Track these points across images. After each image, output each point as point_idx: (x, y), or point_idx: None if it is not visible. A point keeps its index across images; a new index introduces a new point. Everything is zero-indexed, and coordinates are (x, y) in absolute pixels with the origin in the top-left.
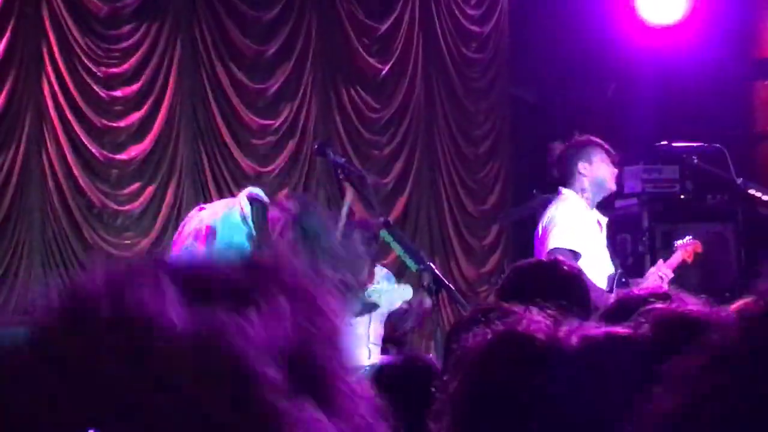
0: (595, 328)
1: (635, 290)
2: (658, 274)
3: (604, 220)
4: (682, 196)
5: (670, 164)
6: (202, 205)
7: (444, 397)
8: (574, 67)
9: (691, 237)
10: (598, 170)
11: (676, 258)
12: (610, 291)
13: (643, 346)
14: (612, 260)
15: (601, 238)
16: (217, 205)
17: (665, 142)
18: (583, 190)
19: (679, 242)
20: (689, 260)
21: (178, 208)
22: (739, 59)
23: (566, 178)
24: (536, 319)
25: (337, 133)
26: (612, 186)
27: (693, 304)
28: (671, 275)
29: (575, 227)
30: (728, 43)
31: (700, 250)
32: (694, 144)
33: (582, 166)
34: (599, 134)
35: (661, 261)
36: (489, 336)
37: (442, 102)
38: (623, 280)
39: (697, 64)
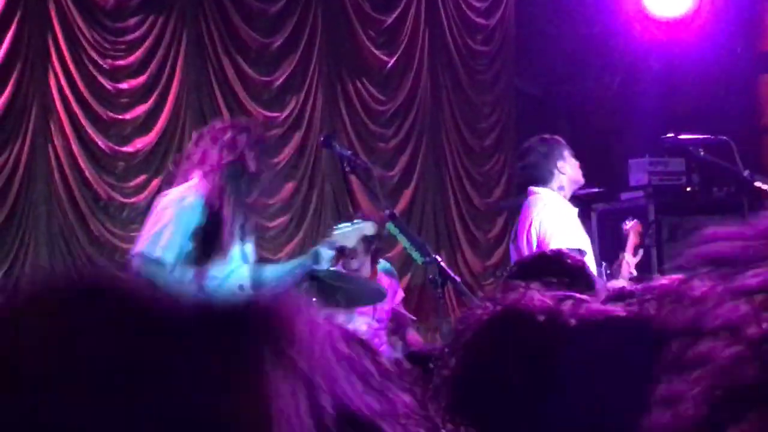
0: (597, 306)
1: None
2: (625, 261)
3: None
4: (688, 189)
5: (677, 157)
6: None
7: (442, 374)
8: (580, 59)
9: (632, 218)
10: (572, 167)
11: (631, 241)
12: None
13: (647, 324)
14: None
15: (585, 233)
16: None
17: (671, 135)
18: (561, 188)
19: (626, 225)
20: (638, 242)
21: None
22: (745, 52)
23: (542, 177)
24: (537, 297)
25: (343, 126)
26: (582, 180)
27: (698, 284)
28: (635, 259)
29: (571, 227)
30: (734, 36)
31: (640, 229)
32: (701, 136)
33: (561, 165)
34: (605, 126)
35: (627, 249)
36: (490, 312)
37: (447, 94)
38: (608, 272)
39: (702, 57)
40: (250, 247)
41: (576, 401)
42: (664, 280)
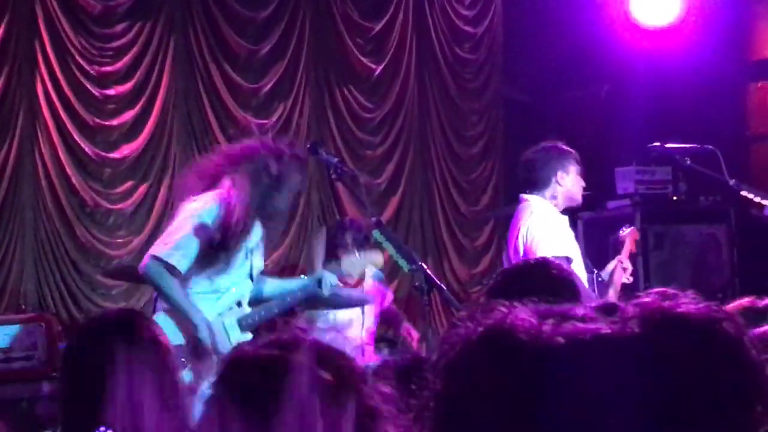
0: (580, 325)
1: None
2: (621, 267)
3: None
4: (674, 198)
5: (663, 165)
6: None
7: (425, 396)
8: (567, 68)
9: (629, 225)
10: (573, 183)
11: (627, 248)
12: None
13: (631, 343)
14: (584, 262)
15: (575, 241)
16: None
17: (658, 144)
18: (553, 197)
19: (623, 233)
20: (634, 250)
21: (171, 206)
22: (732, 61)
23: (537, 183)
24: (520, 316)
25: (330, 133)
26: (579, 201)
27: (686, 301)
28: (630, 266)
29: (558, 235)
30: (722, 44)
31: (638, 237)
32: (687, 145)
33: (560, 176)
34: (592, 134)
35: (620, 256)
36: (471, 332)
37: (435, 102)
38: (599, 279)
39: (690, 65)
40: (258, 262)
41: (560, 422)
42: (647, 298)
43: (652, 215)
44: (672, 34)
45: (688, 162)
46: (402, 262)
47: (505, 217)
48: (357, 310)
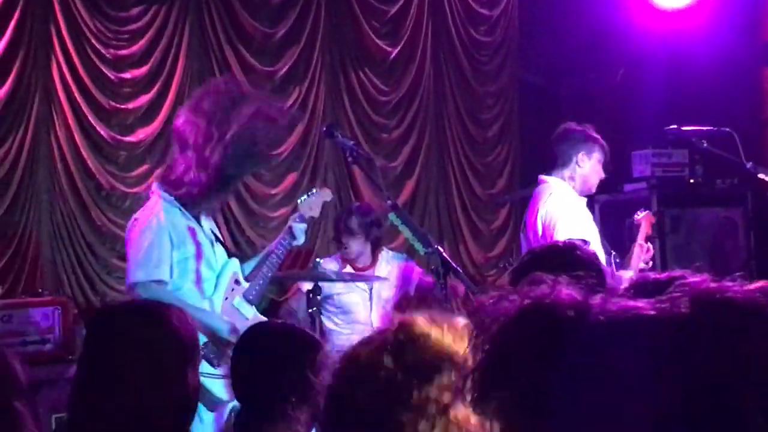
0: (626, 302)
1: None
2: (640, 250)
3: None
4: (691, 181)
5: (680, 148)
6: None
7: (467, 367)
8: (583, 51)
9: (644, 209)
10: (592, 169)
11: (643, 231)
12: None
13: (680, 323)
14: (602, 244)
15: (593, 222)
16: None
17: (674, 127)
18: (572, 179)
19: (638, 216)
20: (650, 233)
21: None
22: (749, 43)
23: (558, 160)
24: (566, 291)
25: (345, 116)
26: (593, 190)
27: (734, 284)
28: (651, 249)
29: (576, 216)
30: (738, 27)
31: (653, 220)
32: (704, 128)
33: (581, 157)
34: (608, 118)
35: (638, 240)
36: (517, 305)
37: (451, 85)
38: (617, 260)
39: (706, 48)
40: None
41: (604, 398)
42: (694, 278)
43: (668, 198)
44: (688, 16)
45: (705, 145)
46: (418, 246)
47: (521, 201)
48: (363, 294)
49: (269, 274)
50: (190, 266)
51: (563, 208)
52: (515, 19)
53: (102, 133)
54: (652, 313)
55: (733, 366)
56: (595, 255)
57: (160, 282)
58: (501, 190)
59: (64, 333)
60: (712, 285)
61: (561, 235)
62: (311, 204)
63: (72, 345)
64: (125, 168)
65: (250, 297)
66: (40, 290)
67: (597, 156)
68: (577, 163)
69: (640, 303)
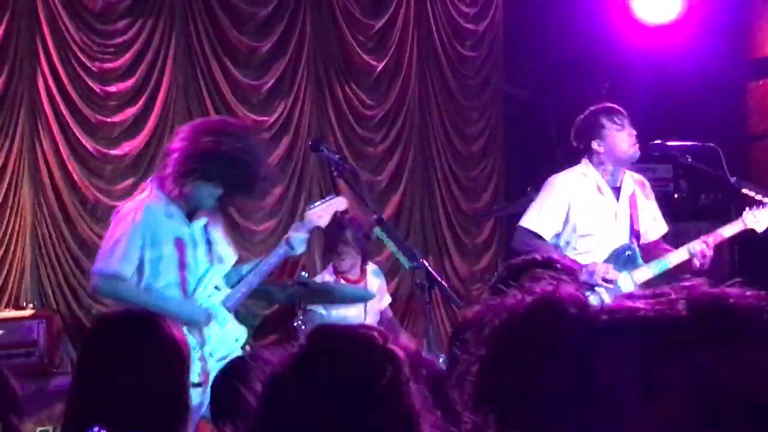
0: (627, 302)
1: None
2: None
3: (634, 186)
4: (675, 195)
5: (664, 163)
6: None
7: (469, 362)
8: (568, 65)
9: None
10: (612, 144)
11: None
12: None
13: (677, 325)
14: (631, 232)
15: (610, 206)
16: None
17: (659, 141)
18: (601, 164)
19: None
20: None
21: None
22: (733, 59)
23: (586, 151)
24: (569, 289)
25: (331, 130)
26: (631, 151)
27: (734, 289)
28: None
29: (550, 206)
30: (722, 42)
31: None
32: (688, 143)
33: (596, 144)
34: None
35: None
36: (520, 301)
37: (436, 100)
38: (627, 254)
39: (691, 63)
40: (224, 249)
41: (606, 395)
42: (694, 282)
43: None
44: (673, 31)
45: (689, 160)
46: (403, 260)
47: (506, 215)
48: (358, 308)
49: (254, 283)
50: (165, 267)
51: (548, 192)
52: (500, 34)
53: (88, 146)
54: (651, 314)
55: (730, 369)
56: (572, 269)
57: (116, 276)
58: (486, 205)
59: (48, 346)
60: (711, 289)
61: (524, 218)
62: (322, 212)
63: (57, 358)
64: (111, 181)
65: (228, 304)
66: (24, 303)
67: (611, 130)
68: (596, 151)
69: (639, 303)
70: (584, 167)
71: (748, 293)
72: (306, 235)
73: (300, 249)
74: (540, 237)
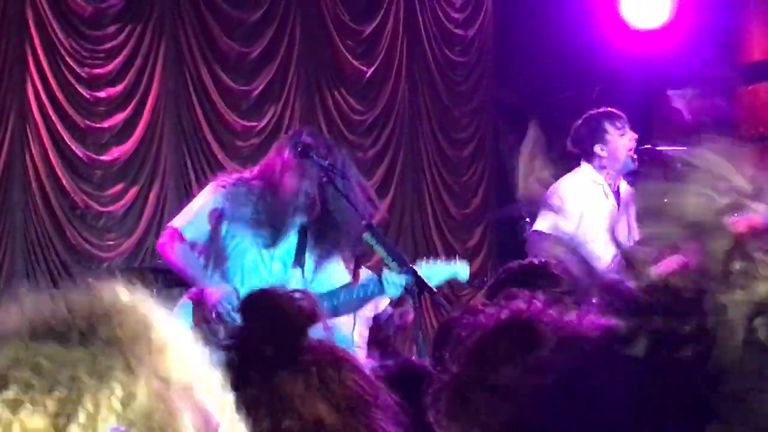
0: (599, 318)
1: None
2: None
3: (626, 193)
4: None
5: (654, 168)
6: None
7: (443, 380)
8: (558, 70)
9: None
10: (615, 149)
11: None
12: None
13: (650, 340)
14: (630, 236)
15: (613, 212)
16: None
17: (649, 146)
18: (602, 167)
19: None
20: None
21: (162, 209)
22: (724, 63)
23: (586, 155)
24: (542, 306)
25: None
26: (629, 161)
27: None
28: None
29: (565, 209)
30: (714, 47)
31: None
32: (678, 147)
33: (599, 148)
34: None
35: None
36: (493, 319)
37: (426, 105)
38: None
39: (682, 68)
40: (334, 269)
41: (581, 413)
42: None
43: None
44: (663, 36)
45: (680, 164)
46: (393, 265)
47: (495, 220)
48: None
49: (339, 298)
50: (243, 245)
51: (558, 195)
52: (490, 39)
53: (77, 151)
54: (623, 329)
55: (709, 381)
56: (570, 273)
57: (176, 231)
58: (476, 210)
59: None
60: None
61: (538, 222)
62: (438, 274)
63: None
64: (100, 187)
65: None
66: None
67: (610, 133)
68: (599, 155)
69: (613, 320)
70: (589, 171)
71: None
72: (403, 279)
73: (392, 293)
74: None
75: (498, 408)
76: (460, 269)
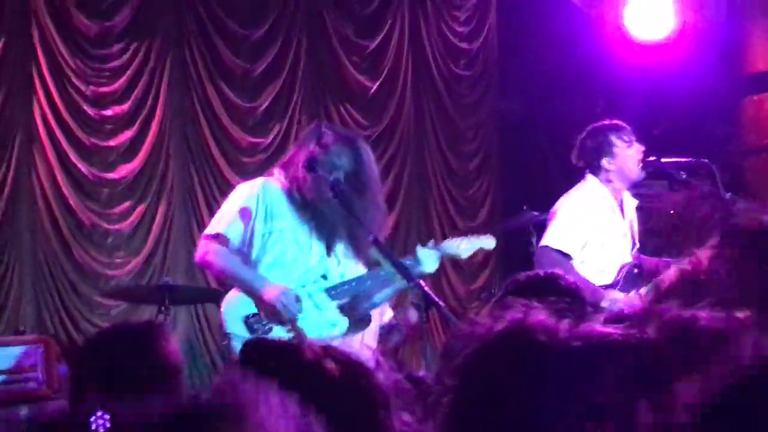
0: (596, 327)
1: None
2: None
3: (633, 204)
4: (671, 212)
5: (659, 180)
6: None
7: (441, 392)
8: (563, 83)
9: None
10: (622, 161)
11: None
12: (616, 284)
13: (647, 350)
14: (633, 248)
15: (619, 225)
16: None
17: (653, 158)
18: (609, 181)
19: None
20: None
21: (169, 227)
22: (727, 75)
23: (592, 169)
24: (538, 316)
25: None
26: (638, 171)
27: (704, 313)
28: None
29: (575, 224)
30: (716, 58)
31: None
32: (683, 159)
33: (606, 161)
34: None
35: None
36: (489, 330)
37: (431, 119)
38: (635, 271)
39: (685, 80)
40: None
41: (573, 421)
42: (664, 306)
43: (648, 230)
44: (666, 48)
45: (684, 176)
46: (399, 280)
47: (502, 232)
48: None
49: (367, 282)
50: (282, 238)
51: (569, 210)
52: (494, 52)
53: (83, 170)
54: (620, 338)
55: (700, 389)
56: (576, 285)
57: (216, 237)
58: (483, 222)
59: (46, 371)
60: (680, 312)
61: (546, 237)
62: (466, 244)
63: (55, 383)
64: (107, 205)
65: (333, 292)
66: (22, 328)
67: (617, 146)
68: (605, 168)
69: (609, 329)
70: (595, 185)
71: (718, 316)
72: (437, 253)
73: (430, 268)
74: (565, 255)
75: (494, 421)
76: (486, 242)
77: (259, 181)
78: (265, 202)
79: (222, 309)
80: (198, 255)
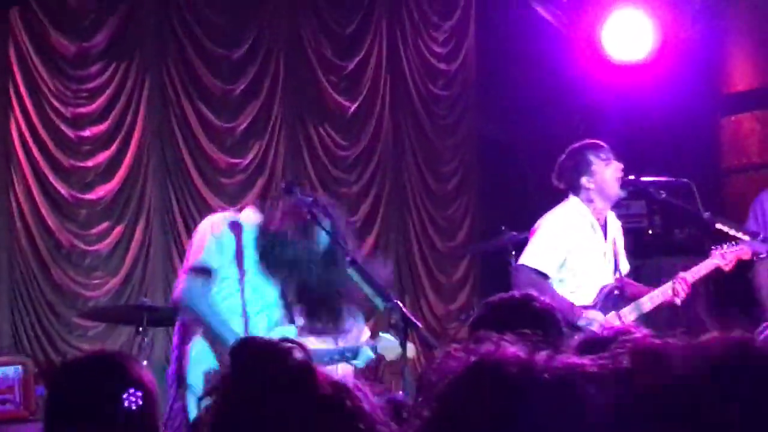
0: (571, 359)
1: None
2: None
3: (616, 224)
4: (649, 231)
5: (638, 199)
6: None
7: (415, 425)
8: (541, 103)
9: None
10: (602, 179)
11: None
12: (595, 304)
13: (620, 378)
14: (616, 270)
15: (600, 245)
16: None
17: (632, 177)
18: (590, 200)
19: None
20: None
21: (147, 247)
22: (705, 95)
23: (573, 188)
24: (511, 349)
25: (305, 171)
26: (618, 189)
27: (671, 339)
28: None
29: (552, 243)
30: (694, 78)
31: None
32: (662, 179)
33: (585, 180)
34: None
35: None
36: (463, 363)
37: (410, 139)
38: (616, 293)
39: (663, 99)
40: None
41: None
42: (637, 334)
43: (627, 249)
44: (645, 68)
45: (663, 195)
46: (377, 301)
47: (481, 253)
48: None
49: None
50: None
51: (548, 229)
52: (473, 73)
53: (61, 190)
54: (594, 369)
55: (682, 415)
56: (550, 307)
57: (203, 270)
58: (461, 243)
59: (24, 393)
60: (653, 341)
61: (524, 256)
62: (392, 350)
63: (32, 405)
64: (85, 226)
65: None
66: None
67: (599, 167)
68: (585, 187)
69: (584, 360)
70: (576, 204)
71: (689, 344)
72: (373, 355)
73: (361, 363)
74: (542, 274)
75: None
76: (411, 349)
77: (223, 220)
78: (230, 243)
79: (189, 356)
80: (174, 295)
